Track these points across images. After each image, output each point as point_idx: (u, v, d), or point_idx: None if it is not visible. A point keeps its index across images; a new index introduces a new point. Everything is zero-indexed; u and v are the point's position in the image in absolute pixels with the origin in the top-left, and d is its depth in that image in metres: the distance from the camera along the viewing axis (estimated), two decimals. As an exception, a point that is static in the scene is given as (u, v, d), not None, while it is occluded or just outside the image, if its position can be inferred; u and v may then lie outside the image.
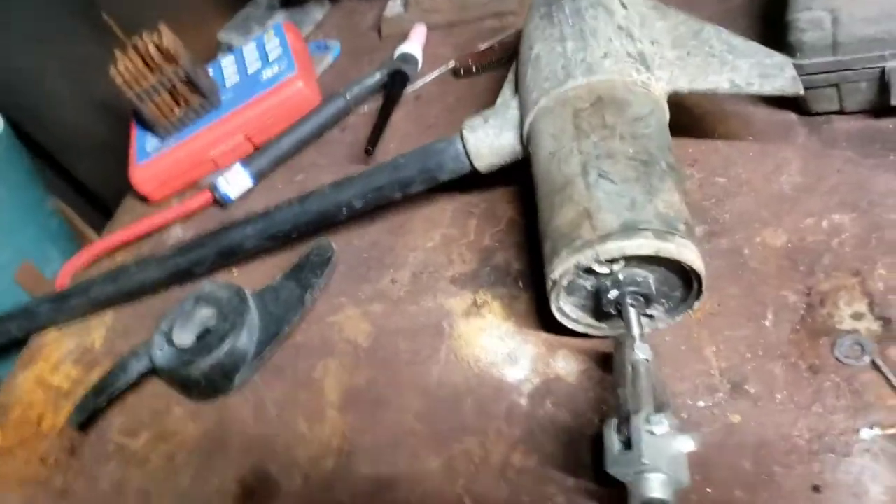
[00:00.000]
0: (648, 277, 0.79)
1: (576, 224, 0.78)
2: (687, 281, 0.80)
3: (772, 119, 1.00)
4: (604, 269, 0.78)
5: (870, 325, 0.77)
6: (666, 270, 0.80)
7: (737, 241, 0.89)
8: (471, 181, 1.06)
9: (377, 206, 1.08)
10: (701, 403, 0.78)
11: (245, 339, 1.02)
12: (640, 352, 0.76)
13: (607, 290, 0.79)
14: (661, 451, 0.68)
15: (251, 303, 1.06)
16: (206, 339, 1.02)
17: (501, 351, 0.92)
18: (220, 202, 1.35)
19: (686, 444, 0.69)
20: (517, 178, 1.03)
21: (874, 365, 0.74)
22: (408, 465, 0.86)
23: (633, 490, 0.68)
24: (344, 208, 1.07)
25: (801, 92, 0.87)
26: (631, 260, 0.78)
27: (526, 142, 0.94)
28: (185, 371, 1.00)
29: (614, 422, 0.71)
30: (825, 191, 0.90)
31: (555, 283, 0.79)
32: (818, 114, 0.97)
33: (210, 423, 1.02)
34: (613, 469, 0.69)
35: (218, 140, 1.39)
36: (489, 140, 0.98)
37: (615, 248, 0.75)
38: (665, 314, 0.85)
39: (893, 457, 0.68)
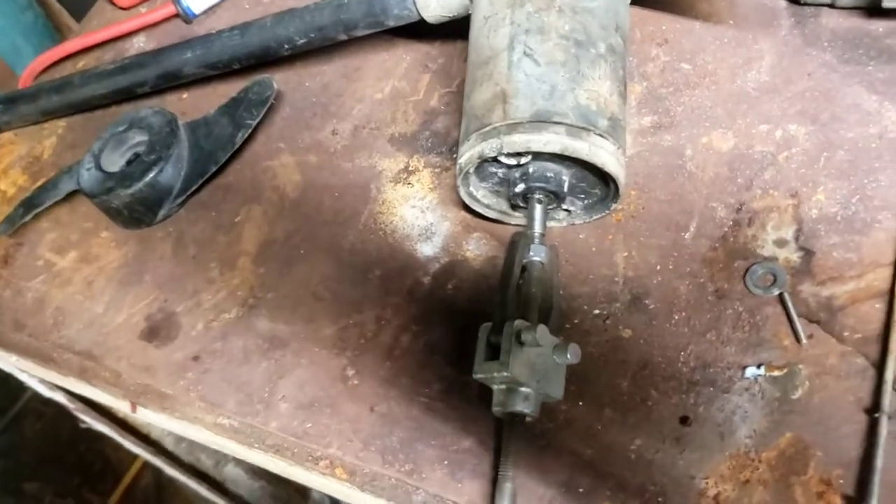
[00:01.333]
0: (561, 173, 0.74)
1: (490, 106, 0.72)
2: (606, 180, 0.75)
3: (759, 3, 0.89)
4: (511, 161, 0.72)
5: (790, 254, 0.72)
6: (583, 167, 0.74)
7: (681, 139, 0.83)
8: (429, 29, 0.98)
9: (322, 46, 1.01)
10: (596, 311, 0.75)
11: (170, 172, 0.99)
12: (536, 253, 0.72)
13: (515, 183, 0.74)
14: (532, 363, 0.66)
15: (182, 134, 1.02)
16: (132, 167, 0.99)
17: (420, 224, 0.88)
18: (183, 17, 1.28)
19: (564, 357, 0.67)
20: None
21: (781, 299, 0.70)
22: (303, 328, 0.86)
23: (497, 400, 0.67)
24: (285, 44, 1.00)
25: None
26: (541, 154, 0.72)
27: (472, -1, 0.85)
28: (107, 197, 0.98)
29: (489, 326, 0.69)
30: (789, 96, 0.81)
31: (461, 168, 0.74)
32: (808, 4, 0.86)
33: (131, 253, 1.01)
34: (480, 375, 0.67)
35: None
36: (437, -11, 0.89)
37: (521, 141, 0.69)
38: (582, 210, 0.80)
39: (770, 401, 0.66)
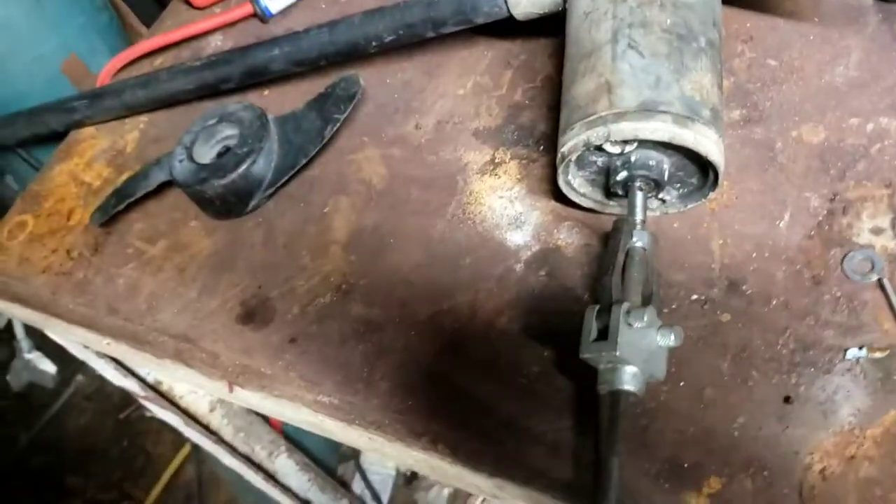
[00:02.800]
0: (663, 162, 0.77)
1: (594, 97, 0.75)
2: (704, 169, 0.77)
3: (844, 2, 0.91)
4: (615, 149, 0.75)
5: (887, 242, 0.74)
6: (683, 156, 0.77)
7: (771, 133, 0.85)
8: (513, 27, 1.01)
9: (409, 43, 1.04)
10: (694, 297, 0.78)
11: (262, 164, 1.03)
12: (639, 238, 0.75)
13: (616, 171, 0.77)
14: (638, 344, 0.69)
15: (272, 128, 1.06)
16: (225, 158, 1.03)
17: (508, 213, 0.91)
18: (260, 16, 1.32)
19: (667, 339, 0.70)
20: (562, 28, 0.98)
21: (880, 284, 0.72)
22: (398, 313, 0.88)
23: (603, 378, 0.69)
24: (373, 41, 1.03)
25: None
26: (645, 142, 0.74)
27: (567, -5, 0.88)
28: (201, 188, 1.02)
29: (596, 308, 0.71)
30: (880, 90, 0.84)
31: (564, 156, 0.76)
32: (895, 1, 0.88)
33: (222, 242, 1.05)
34: (587, 355, 0.70)
35: (265, -52, 1.33)
36: (529, -13, 0.92)
37: (629, 129, 0.72)
38: (678, 199, 0.82)
39: (873, 381, 0.68)
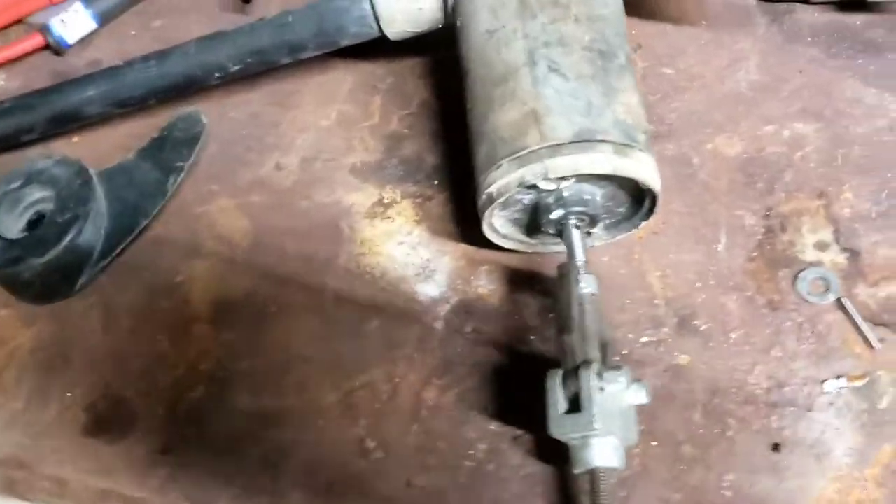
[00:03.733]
0: (596, 195, 0.68)
1: (520, 128, 0.65)
2: (636, 198, 0.70)
3: (728, 2, 0.89)
4: (550, 186, 0.66)
5: (835, 257, 0.71)
6: (616, 186, 0.69)
7: (684, 147, 0.80)
8: (374, 46, 0.89)
9: (259, 72, 0.90)
10: (644, 339, 0.71)
11: (90, 232, 0.85)
12: (586, 284, 0.66)
13: (549, 210, 0.68)
14: (612, 409, 0.60)
15: (97, 186, 0.87)
16: (41, 229, 0.83)
17: (413, 262, 0.80)
18: (54, 47, 1.10)
19: (637, 397, 0.61)
20: (433, 47, 0.88)
21: (840, 304, 0.68)
22: (297, 400, 0.75)
23: (578, 457, 0.60)
24: (216, 72, 0.88)
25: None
26: (581, 176, 0.66)
27: (451, 9, 0.78)
28: (14, 269, 0.82)
29: (559, 374, 0.62)
30: (786, 94, 0.81)
31: (491, 198, 0.66)
32: (780, 0, 0.86)
33: (47, 333, 0.85)
34: (558, 432, 0.60)
35: (46, -34, 1.12)
36: (405, 2, 0.81)
37: (567, 164, 0.63)
38: (604, 231, 0.75)
39: (859, 414, 0.64)
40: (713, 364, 0.68)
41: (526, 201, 0.70)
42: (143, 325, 0.83)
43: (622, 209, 0.72)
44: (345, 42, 0.86)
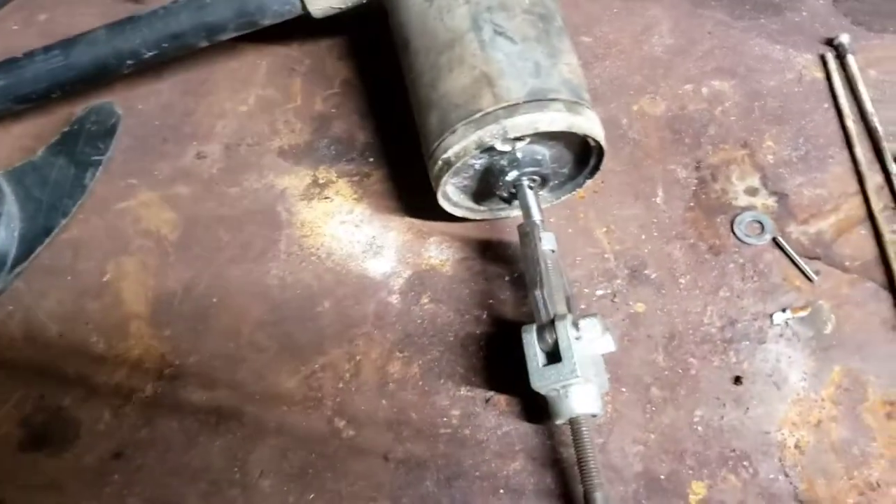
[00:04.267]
0: (546, 155, 0.70)
1: (473, 92, 0.66)
2: (579, 155, 0.72)
3: (634, -29, 0.92)
4: (506, 147, 0.67)
5: (765, 200, 0.76)
6: (563, 146, 0.71)
7: (612, 110, 0.83)
8: (286, 29, 0.88)
9: (175, 57, 0.86)
10: (599, 292, 0.73)
11: (2, 236, 0.79)
12: (546, 241, 0.67)
13: (503, 172, 0.69)
14: (588, 358, 0.62)
15: (4, 187, 0.81)
16: (-55, 238, 0.77)
17: (359, 240, 0.79)
18: (-78, 46, 1.02)
19: (607, 345, 0.64)
20: (348, 27, 0.87)
21: (776, 243, 0.73)
22: (255, 388, 0.72)
23: (559, 406, 0.62)
24: (128, 59, 0.84)
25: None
26: (535, 136, 0.67)
27: (379, -17, 0.78)
28: (-82, 284, 0.75)
29: (533, 329, 0.63)
30: (700, 55, 0.85)
31: (449, 162, 0.67)
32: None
33: (-39, 348, 0.78)
34: (540, 384, 0.61)
35: None
36: (329, -21, 0.80)
37: (525, 122, 0.64)
38: (549, 193, 0.77)
39: (807, 341, 0.68)
40: (668, 309, 0.71)
41: (478, 166, 0.71)
42: (73, 329, 0.78)
43: (565, 170, 0.74)
44: (266, 22, 0.84)
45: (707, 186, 0.77)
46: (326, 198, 0.82)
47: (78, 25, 0.99)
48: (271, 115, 0.89)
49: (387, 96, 0.88)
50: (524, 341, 0.63)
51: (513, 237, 0.77)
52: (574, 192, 0.77)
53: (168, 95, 0.93)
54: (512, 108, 0.64)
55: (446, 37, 0.69)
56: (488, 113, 0.65)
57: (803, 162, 0.78)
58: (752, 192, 0.76)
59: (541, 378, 0.62)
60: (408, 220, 0.79)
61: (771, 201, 0.76)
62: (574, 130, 0.66)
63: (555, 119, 0.64)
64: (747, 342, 0.69)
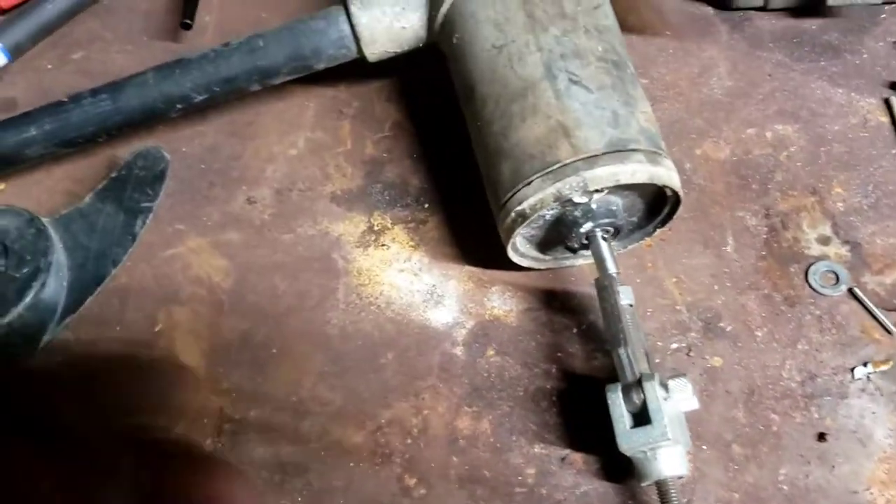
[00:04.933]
0: (619, 205, 0.69)
1: (549, 143, 0.65)
2: (651, 204, 0.71)
3: (687, 12, 0.93)
4: (583, 199, 0.66)
5: (838, 249, 0.75)
6: (636, 195, 0.70)
7: (675, 154, 0.82)
8: (333, 70, 0.87)
9: (223, 102, 0.85)
10: (674, 345, 0.72)
11: (53, 286, 0.77)
12: (624, 295, 0.66)
13: (576, 224, 0.67)
14: (675, 418, 0.61)
15: (52, 235, 0.79)
16: (-4, 288, 0.75)
17: (419, 289, 0.78)
18: (-43, 87, 1.00)
19: (691, 404, 0.62)
20: (395, 68, 0.86)
21: (852, 294, 0.71)
22: (320, 444, 0.71)
23: (646, 468, 0.60)
24: (177, 104, 0.83)
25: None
26: (612, 187, 0.66)
27: (439, 27, 0.77)
28: (-32, 336, 0.74)
29: (618, 388, 0.62)
30: (761, 98, 0.85)
31: (524, 215, 0.65)
32: (737, 9, 0.90)
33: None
34: (628, 447, 0.60)
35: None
36: (388, 21, 0.79)
37: (606, 174, 0.63)
38: (617, 242, 0.75)
39: (891, 395, 0.67)
40: (745, 363, 0.70)
41: (548, 217, 0.70)
42: (124, 382, 0.76)
43: (635, 218, 0.73)
44: (320, 66, 0.83)
45: (778, 235, 0.76)
46: (383, 245, 0.81)
47: (114, 64, 0.98)
48: (322, 160, 0.88)
49: (439, 140, 0.87)
50: (609, 402, 0.62)
51: (577, 287, 0.76)
52: (641, 241, 0.76)
53: (213, 138, 0.91)
54: (591, 160, 0.63)
55: (518, 85, 0.68)
56: (566, 164, 0.64)
57: (874, 210, 0.77)
58: (824, 240, 0.75)
59: (629, 441, 0.60)
60: (467, 268, 0.78)
61: (844, 250, 0.75)
62: (655, 182, 0.65)
63: (636, 171, 0.64)
64: (829, 397, 0.68)
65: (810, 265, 0.74)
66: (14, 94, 0.98)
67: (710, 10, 0.92)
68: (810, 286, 0.73)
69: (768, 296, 0.73)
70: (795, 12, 0.90)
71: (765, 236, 0.76)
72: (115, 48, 1.03)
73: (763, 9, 0.90)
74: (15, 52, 1.02)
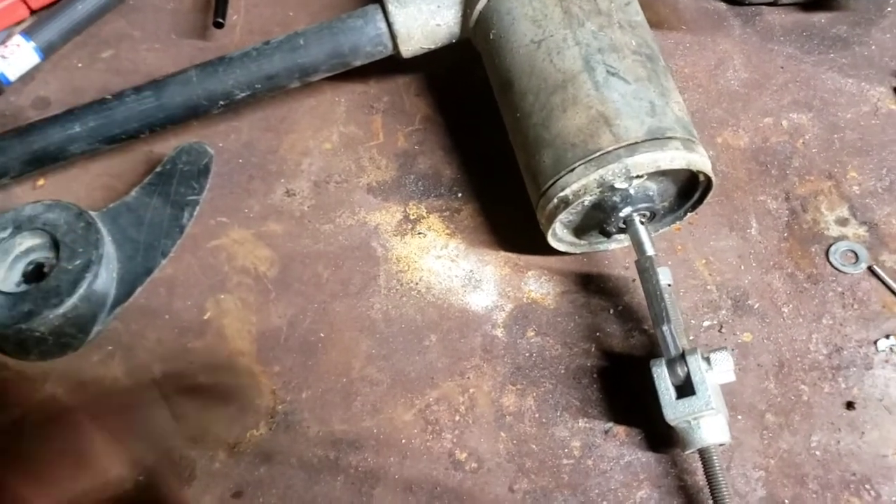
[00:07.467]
0: (655, 190, 0.72)
1: (590, 132, 0.68)
2: (682, 189, 0.74)
3: (700, 8, 0.96)
4: (624, 185, 0.68)
5: (856, 230, 0.78)
6: (669, 181, 0.73)
7: (697, 142, 0.84)
8: (362, 67, 0.89)
9: (263, 98, 0.87)
10: (706, 323, 0.75)
11: (104, 277, 0.79)
12: (664, 276, 0.69)
13: (615, 209, 0.70)
14: (716, 389, 0.64)
15: (101, 228, 0.81)
16: (50, 279, 0.77)
17: (457, 274, 0.80)
18: (-9, 86, 1.02)
19: (727, 376, 0.65)
20: (423, 63, 0.88)
21: (872, 271, 0.75)
22: (372, 422, 0.73)
23: (690, 437, 0.63)
24: (220, 100, 0.85)
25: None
26: (651, 173, 0.69)
27: (474, 24, 0.79)
28: (26, 326, 0.75)
29: (662, 363, 0.65)
30: (775, 88, 0.88)
31: (564, 201, 0.68)
32: (749, 4, 0.94)
33: (62, 390, 0.78)
34: (674, 417, 0.63)
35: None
36: (423, 18, 0.82)
37: (647, 161, 0.66)
38: (650, 225, 0.78)
39: (915, 366, 0.70)
40: (774, 338, 0.73)
41: (587, 203, 0.72)
42: (176, 368, 0.78)
43: (667, 203, 0.76)
44: (357, 62, 0.85)
45: (798, 217, 0.79)
46: (420, 233, 0.83)
47: (143, 62, 1.00)
48: (356, 153, 0.90)
49: (469, 132, 0.89)
50: (654, 375, 0.65)
51: (612, 270, 0.79)
52: (671, 226, 0.78)
53: (248, 133, 0.93)
54: (632, 147, 0.66)
55: (558, 78, 0.70)
56: (608, 152, 0.67)
57: (889, 192, 0.80)
58: (842, 222, 0.79)
59: (674, 411, 0.63)
60: (503, 254, 0.81)
61: (862, 231, 0.78)
62: (692, 167, 0.68)
63: (675, 157, 0.66)
64: (854, 368, 0.71)
65: (830, 245, 0.77)
66: (46, 92, 1.00)
67: (722, 5, 0.95)
68: (831, 265, 0.76)
69: (792, 274, 0.76)
70: (804, 7, 0.93)
71: (786, 219, 0.80)
72: (144, 46, 1.04)
73: (773, 4, 0.93)
74: (47, 52, 1.03)
